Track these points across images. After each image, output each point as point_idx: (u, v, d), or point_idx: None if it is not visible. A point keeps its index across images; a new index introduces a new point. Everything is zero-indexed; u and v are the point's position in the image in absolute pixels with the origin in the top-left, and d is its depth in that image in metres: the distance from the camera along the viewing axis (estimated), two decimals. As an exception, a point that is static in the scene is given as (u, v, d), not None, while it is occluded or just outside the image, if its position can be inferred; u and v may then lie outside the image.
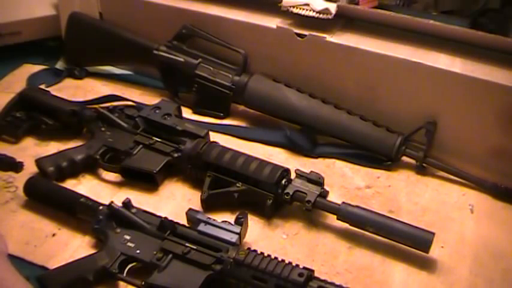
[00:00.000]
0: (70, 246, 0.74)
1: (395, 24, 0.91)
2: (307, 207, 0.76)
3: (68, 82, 1.07)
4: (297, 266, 0.65)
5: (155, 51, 0.99)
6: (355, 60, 0.89)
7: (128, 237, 0.71)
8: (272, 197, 0.77)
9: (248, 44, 0.96)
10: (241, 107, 0.98)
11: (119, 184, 0.84)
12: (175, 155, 0.83)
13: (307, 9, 0.90)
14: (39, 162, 0.82)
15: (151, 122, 0.86)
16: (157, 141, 0.85)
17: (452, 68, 0.83)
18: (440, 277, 0.71)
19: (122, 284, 0.69)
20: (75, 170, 0.84)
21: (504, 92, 0.80)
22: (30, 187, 0.79)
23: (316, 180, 0.78)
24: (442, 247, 0.75)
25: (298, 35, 0.92)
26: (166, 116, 0.86)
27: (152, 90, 1.04)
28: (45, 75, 1.07)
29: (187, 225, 0.72)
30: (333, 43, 0.90)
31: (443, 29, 0.88)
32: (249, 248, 0.68)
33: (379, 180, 0.87)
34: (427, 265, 0.72)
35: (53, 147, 0.88)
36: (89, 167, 0.85)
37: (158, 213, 0.73)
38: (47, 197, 0.78)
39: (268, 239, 0.76)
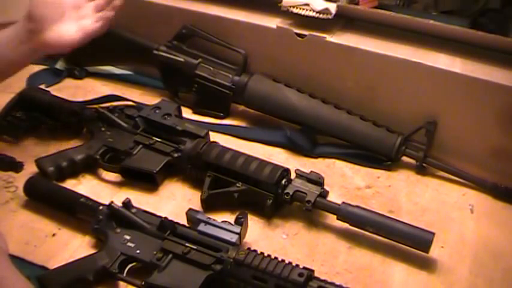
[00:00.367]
0: (70, 246, 0.74)
1: (395, 24, 0.92)
2: (307, 207, 0.76)
3: (68, 82, 1.07)
4: (297, 266, 0.65)
5: (155, 51, 0.99)
6: (355, 60, 0.89)
7: (127, 237, 0.71)
8: (272, 197, 0.77)
9: (248, 44, 0.96)
10: (241, 107, 0.98)
11: (119, 184, 0.84)
12: (175, 155, 0.83)
13: (307, 9, 0.90)
14: (39, 162, 0.83)
15: (151, 122, 0.86)
16: (157, 141, 0.85)
17: (452, 68, 0.83)
18: (440, 277, 0.71)
19: (122, 284, 0.68)
20: (75, 170, 0.84)
21: (504, 92, 0.80)
22: (30, 187, 0.79)
23: (316, 180, 0.78)
24: (442, 247, 0.75)
25: (298, 35, 0.92)
26: (166, 116, 0.86)
27: (152, 90, 1.04)
28: (45, 75, 1.07)
29: (187, 225, 0.72)
30: (333, 43, 0.90)
31: (443, 29, 0.88)
32: (249, 248, 0.68)
33: (379, 180, 0.87)
34: (427, 265, 0.72)
35: (53, 147, 0.88)
36: (89, 167, 0.85)
37: (158, 213, 0.73)
38: (47, 197, 0.78)
39: (268, 239, 0.76)
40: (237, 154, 0.81)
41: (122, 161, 0.83)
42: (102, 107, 0.91)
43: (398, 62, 0.86)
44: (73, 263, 0.69)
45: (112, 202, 0.73)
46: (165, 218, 0.71)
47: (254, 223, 0.77)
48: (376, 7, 1.25)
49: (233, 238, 0.68)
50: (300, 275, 0.63)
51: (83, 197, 0.76)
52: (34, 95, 0.93)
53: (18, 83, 1.03)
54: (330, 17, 0.89)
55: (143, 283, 0.66)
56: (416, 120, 0.87)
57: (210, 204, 0.79)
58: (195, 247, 0.68)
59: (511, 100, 0.80)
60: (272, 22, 0.94)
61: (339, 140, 0.91)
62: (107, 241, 0.71)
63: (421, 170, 0.87)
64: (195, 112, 0.99)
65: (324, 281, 0.64)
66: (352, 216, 0.74)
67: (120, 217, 0.72)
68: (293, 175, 0.79)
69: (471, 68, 0.83)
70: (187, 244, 0.68)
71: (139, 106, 0.93)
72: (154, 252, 0.68)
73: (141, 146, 0.85)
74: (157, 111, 0.87)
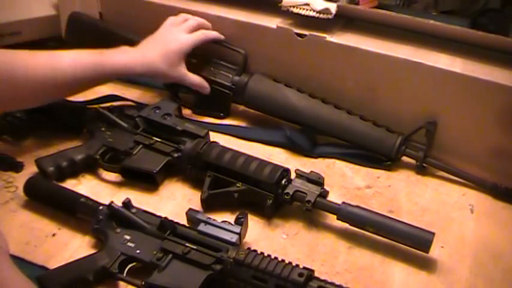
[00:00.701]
0: (70, 246, 0.74)
1: (395, 24, 0.92)
2: (307, 207, 0.76)
3: (68, 82, 1.07)
4: (297, 266, 0.65)
5: (155, 51, 0.99)
6: (355, 60, 0.89)
7: (128, 237, 0.71)
8: (272, 197, 0.77)
9: (248, 44, 0.96)
10: (241, 107, 0.98)
11: (119, 184, 0.84)
12: (175, 155, 0.83)
13: (307, 9, 0.90)
14: (39, 162, 0.82)
15: (151, 122, 0.86)
16: (157, 141, 0.85)
17: (453, 68, 0.83)
18: (440, 277, 0.71)
19: (122, 284, 0.68)
20: (75, 170, 0.84)
21: (504, 92, 0.80)
22: (30, 187, 0.79)
23: (316, 180, 0.78)
24: (442, 247, 0.75)
25: (298, 35, 0.92)
26: (166, 116, 0.86)
27: (152, 90, 1.04)
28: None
29: (187, 225, 0.72)
30: (333, 43, 0.90)
31: (443, 29, 0.88)
32: (249, 248, 0.68)
33: (379, 180, 0.87)
34: (427, 265, 0.72)
35: (53, 147, 0.88)
36: (89, 167, 0.85)
37: (158, 213, 0.73)
38: (47, 197, 0.78)
39: (268, 239, 0.76)
40: (237, 154, 0.81)
41: (122, 161, 0.83)
42: (102, 107, 0.91)
43: (398, 62, 0.86)
44: (73, 263, 0.69)
45: (112, 202, 0.73)
46: (165, 218, 0.71)
47: (254, 223, 0.77)
48: (376, 7, 1.25)
49: (233, 238, 0.68)
50: (300, 275, 0.63)
51: (83, 197, 0.76)
52: (34, 95, 0.93)
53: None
54: (330, 17, 0.89)
55: (143, 283, 0.66)
56: (416, 120, 0.87)
57: (210, 204, 0.79)
58: (195, 247, 0.68)
59: (511, 100, 0.80)
60: (272, 22, 0.94)
61: (339, 140, 0.91)
62: (107, 241, 0.71)
63: (421, 170, 0.87)
64: (195, 112, 0.99)
65: (324, 281, 0.64)
66: (352, 216, 0.74)
67: (120, 217, 0.72)
68: (293, 175, 0.79)
69: (471, 68, 0.83)
70: (187, 244, 0.68)
71: (139, 106, 0.93)
72: (154, 252, 0.68)
73: (141, 146, 0.85)
74: (157, 111, 0.87)
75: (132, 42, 0.99)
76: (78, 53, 0.84)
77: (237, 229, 0.69)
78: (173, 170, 0.85)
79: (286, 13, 0.92)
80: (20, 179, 0.82)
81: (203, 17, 0.97)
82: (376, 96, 0.90)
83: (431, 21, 0.88)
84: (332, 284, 0.63)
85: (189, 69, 0.93)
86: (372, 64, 0.88)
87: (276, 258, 0.66)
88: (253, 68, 0.97)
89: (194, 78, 0.93)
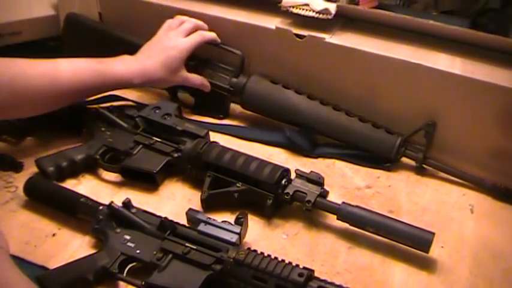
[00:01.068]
0: (70, 246, 0.74)
1: (395, 24, 0.91)
2: (307, 207, 0.76)
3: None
4: (297, 266, 0.65)
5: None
6: (354, 61, 0.89)
7: (128, 237, 0.71)
8: (272, 197, 0.77)
9: (247, 44, 0.96)
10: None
11: (119, 184, 0.84)
12: (175, 155, 0.83)
13: (307, 9, 0.90)
14: (39, 162, 0.82)
15: (151, 122, 0.86)
16: (157, 141, 0.85)
17: (452, 69, 0.83)
18: (440, 277, 0.71)
19: (122, 284, 0.69)
20: (75, 170, 0.84)
21: (504, 93, 0.80)
22: (30, 187, 0.79)
23: (316, 180, 0.78)
24: (442, 247, 0.75)
25: (297, 35, 0.92)
26: (166, 116, 0.86)
27: (152, 90, 1.04)
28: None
29: (187, 225, 0.72)
30: (332, 44, 0.90)
31: (443, 29, 0.88)
32: (249, 248, 0.68)
33: (379, 180, 0.87)
34: (427, 265, 0.72)
35: (53, 147, 0.88)
36: (89, 167, 0.85)
37: (158, 213, 0.73)
38: (47, 197, 0.78)
39: (268, 239, 0.76)
40: (237, 154, 0.81)
41: (122, 161, 0.83)
42: (102, 107, 0.91)
43: (398, 63, 0.86)
44: (73, 263, 0.69)
45: (112, 202, 0.73)
46: (165, 218, 0.72)
47: (254, 223, 0.77)
48: (376, 7, 1.25)
49: (233, 238, 0.68)
50: (300, 275, 0.63)
51: (83, 197, 0.76)
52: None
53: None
54: (329, 17, 0.89)
55: (143, 283, 0.66)
56: (415, 121, 0.87)
57: (210, 204, 0.79)
58: (195, 247, 0.68)
59: (510, 101, 0.80)
60: (271, 22, 0.94)
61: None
62: (107, 241, 0.71)
63: (420, 170, 0.87)
64: (195, 112, 0.99)
65: (324, 281, 0.64)
66: (352, 216, 0.74)
67: (120, 217, 0.72)
68: (293, 175, 0.79)
69: (471, 68, 0.83)
70: (187, 244, 0.68)
71: (139, 106, 0.93)
72: (154, 252, 0.68)
73: (141, 146, 0.85)
74: (157, 111, 0.87)
75: (128, 43, 0.99)
76: (77, 62, 0.84)
77: (237, 229, 0.69)
78: (173, 170, 0.85)
79: (285, 13, 0.92)
80: (20, 179, 0.82)
81: (202, 17, 0.97)
82: (375, 97, 0.90)
83: (431, 21, 0.88)
84: (332, 284, 0.63)
85: (188, 71, 0.94)
86: (371, 65, 0.88)
87: (276, 258, 0.66)
88: (252, 69, 0.96)
89: (195, 79, 0.94)
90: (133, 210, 0.73)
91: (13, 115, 0.84)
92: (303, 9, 0.90)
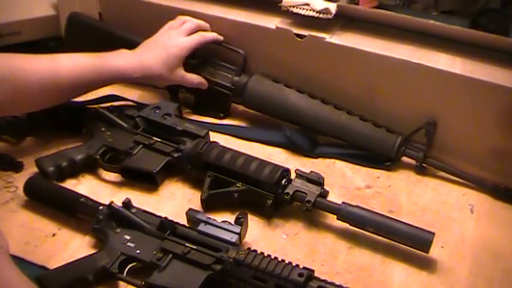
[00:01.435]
0: (70, 246, 0.74)
1: (395, 24, 0.91)
2: (307, 207, 0.76)
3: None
4: (297, 266, 0.65)
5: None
6: (354, 61, 0.89)
7: (128, 237, 0.71)
8: (272, 197, 0.77)
9: (248, 44, 0.96)
10: (241, 107, 0.98)
11: (119, 184, 0.84)
12: (175, 155, 0.83)
13: (307, 9, 0.90)
14: (39, 162, 0.82)
15: (151, 122, 0.86)
16: (157, 141, 0.85)
17: (452, 68, 0.83)
18: (440, 277, 0.71)
19: (122, 284, 0.69)
20: (75, 170, 0.84)
21: (504, 93, 0.80)
22: (30, 187, 0.79)
23: (316, 180, 0.78)
24: (442, 247, 0.75)
25: (298, 35, 0.92)
26: (166, 116, 0.86)
27: (152, 90, 1.04)
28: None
29: (187, 225, 0.72)
30: (333, 44, 0.90)
31: (443, 29, 0.88)
32: (249, 248, 0.68)
33: (379, 180, 0.87)
34: (427, 265, 0.72)
35: (53, 147, 0.88)
36: (89, 167, 0.85)
37: (158, 213, 0.73)
38: (47, 197, 0.78)
39: (268, 239, 0.76)
40: (237, 154, 0.81)
41: (122, 161, 0.83)
42: (102, 107, 0.91)
43: (398, 62, 0.86)
44: (73, 263, 0.69)
45: (112, 202, 0.73)
46: (165, 218, 0.71)
47: (254, 223, 0.77)
48: (376, 7, 1.25)
49: (233, 238, 0.68)
50: (300, 275, 0.63)
51: (83, 197, 0.76)
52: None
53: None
54: (330, 16, 0.89)
55: (143, 283, 0.66)
56: (416, 121, 0.87)
57: (210, 204, 0.79)
58: (195, 247, 0.68)
59: (510, 101, 0.80)
60: (271, 22, 0.94)
61: (339, 140, 0.91)
62: (107, 241, 0.71)
63: (421, 170, 0.87)
64: (195, 112, 0.99)
65: (324, 281, 0.64)
66: (352, 216, 0.74)
67: (120, 217, 0.72)
68: (293, 175, 0.79)
69: (471, 68, 0.83)
70: (187, 244, 0.68)
71: (139, 106, 0.93)
72: (154, 252, 0.68)
73: (141, 146, 0.85)
74: (157, 111, 0.87)
75: (131, 42, 0.99)
76: (77, 56, 0.84)
77: (237, 229, 0.69)
78: (173, 170, 0.85)
79: (285, 13, 0.92)
80: (20, 179, 0.82)
81: (202, 17, 0.97)
82: (376, 97, 0.90)
83: (431, 21, 0.88)
84: (332, 284, 0.63)
85: (189, 70, 0.94)
86: (371, 65, 0.88)
87: (276, 258, 0.66)
88: (252, 69, 0.97)
89: (193, 78, 0.94)
90: (134, 210, 0.73)
91: (13, 111, 0.84)
92: (303, 9, 0.90)
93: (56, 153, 0.84)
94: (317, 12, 0.89)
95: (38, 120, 0.90)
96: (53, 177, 0.82)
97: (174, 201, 0.81)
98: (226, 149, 0.82)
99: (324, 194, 0.77)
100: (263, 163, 0.79)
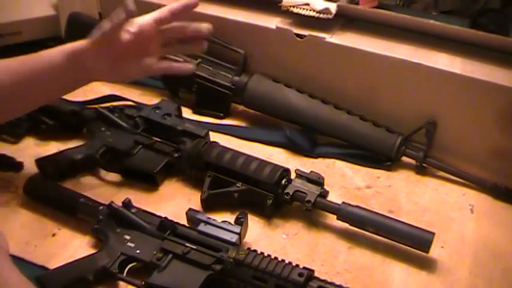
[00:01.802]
0: (70, 246, 0.74)
1: (396, 24, 0.92)
2: (307, 207, 0.76)
3: (68, 82, 1.06)
4: (297, 266, 0.65)
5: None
6: (355, 61, 0.89)
7: (128, 237, 0.71)
8: (272, 197, 0.77)
9: (248, 44, 0.96)
10: (241, 107, 0.98)
11: (118, 184, 0.84)
12: (175, 155, 0.83)
13: (307, 9, 0.90)
14: (39, 162, 0.82)
15: (151, 122, 0.86)
16: (157, 141, 0.85)
17: (452, 68, 0.83)
18: (440, 277, 0.71)
19: (122, 284, 0.69)
20: (75, 170, 0.84)
21: (504, 93, 0.80)
22: (30, 187, 0.79)
23: (316, 180, 0.78)
24: (442, 247, 0.75)
25: (298, 35, 0.92)
26: (166, 116, 0.87)
27: (152, 90, 1.04)
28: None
29: (187, 225, 0.72)
30: (333, 44, 0.90)
31: (443, 29, 0.88)
32: (249, 248, 0.68)
33: (379, 180, 0.87)
34: (427, 265, 0.72)
35: (53, 147, 0.88)
36: (89, 167, 0.85)
37: (158, 213, 0.73)
38: (47, 197, 0.78)
39: (268, 239, 0.76)
40: (237, 154, 0.81)
41: (122, 161, 0.83)
42: (102, 107, 0.91)
43: (398, 62, 0.86)
44: (73, 263, 0.69)
45: (112, 202, 0.73)
46: (165, 218, 0.72)
47: (254, 223, 0.77)
48: (376, 7, 1.25)
49: (233, 238, 0.68)
50: (300, 275, 0.63)
51: (83, 197, 0.76)
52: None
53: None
54: (330, 16, 0.89)
55: (143, 283, 0.66)
56: (416, 121, 0.87)
57: (210, 204, 0.79)
58: (195, 247, 0.68)
59: (510, 101, 0.80)
60: (272, 22, 0.94)
61: (339, 140, 0.91)
62: (107, 241, 0.71)
63: (421, 170, 0.87)
64: (195, 112, 0.99)
65: (324, 281, 0.64)
66: (352, 216, 0.74)
67: (120, 217, 0.72)
68: (293, 175, 0.79)
69: (471, 68, 0.83)
70: (187, 244, 0.68)
71: (139, 106, 0.93)
72: (154, 252, 0.68)
73: (141, 146, 0.85)
74: (157, 111, 0.87)
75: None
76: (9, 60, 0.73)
77: (237, 229, 0.69)
78: (173, 170, 0.85)
79: (286, 13, 0.92)
80: (20, 179, 0.81)
81: (202, 17, 0.96)
82: (376, 97, 0.90)
83: (431, 21, 0.88)
84: (332, 284, 0.63)
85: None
86: (371, 65, 0.88)
87: (276, 258, 0.66)
88: (253, 68, 0.97)
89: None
90: (133, 210, 0.73)
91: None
92: (304, 9, 0.90)
93: (56, 153, 0.84)
94: (317, 12, 0.89)
95: (38, 120, 0.90)
96: (53, 177, 0.82)
97: (174, 201, 0.81)
98: (226, 149, 0.82)
99: (324, 194, 0.77)
100: (263, 163, 0.79)
